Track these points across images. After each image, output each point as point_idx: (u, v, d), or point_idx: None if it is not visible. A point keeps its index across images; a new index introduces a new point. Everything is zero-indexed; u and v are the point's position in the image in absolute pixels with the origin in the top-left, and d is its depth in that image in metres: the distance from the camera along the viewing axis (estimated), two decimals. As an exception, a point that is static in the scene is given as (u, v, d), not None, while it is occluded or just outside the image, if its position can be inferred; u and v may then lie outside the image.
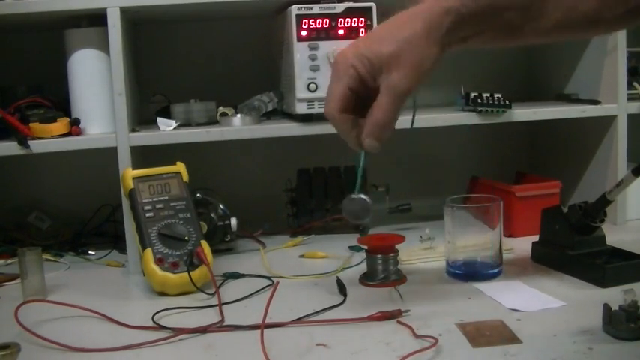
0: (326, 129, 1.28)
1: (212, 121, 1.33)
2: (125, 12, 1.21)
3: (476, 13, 0.77)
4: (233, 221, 1.29)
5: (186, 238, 1.11)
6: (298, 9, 1.21)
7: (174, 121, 1.29)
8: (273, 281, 1.09)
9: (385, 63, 0.77)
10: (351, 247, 1.27)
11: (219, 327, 0.92)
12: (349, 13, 1.22)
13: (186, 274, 1.06)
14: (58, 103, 1.32)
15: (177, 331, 0.90)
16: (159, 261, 1.07)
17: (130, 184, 1.15)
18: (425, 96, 1.63)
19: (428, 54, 0.77)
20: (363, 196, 0.82)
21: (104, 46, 1.21)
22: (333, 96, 0.80)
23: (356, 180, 0.85)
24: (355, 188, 0.85)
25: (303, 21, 1.21)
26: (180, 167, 1.19)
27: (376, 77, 0.78)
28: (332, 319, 0.92)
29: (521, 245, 1.21)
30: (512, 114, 1.34)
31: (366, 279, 1.09)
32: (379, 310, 0.92)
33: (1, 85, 1.37)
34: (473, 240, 1.09)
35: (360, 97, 0.81)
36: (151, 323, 0.94)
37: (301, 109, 1.23)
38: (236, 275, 1.15)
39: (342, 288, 1.04)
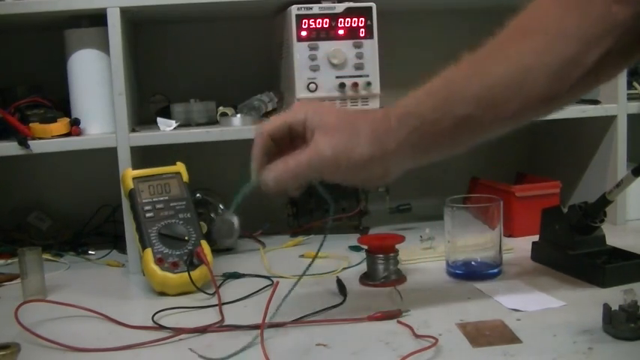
0: (326, 129, 1.28)
1: (212, 121, 1.33)
2: (125, 12, 1.21)
3: (431, 110, 0.79)
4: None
5: (186, 238, 1.11)
6: (298, 9, 1.21)
7: (174, 121, 1.29)
8: (273, 281, 1.09)
9: (323, 127, 0.79)
10: (351, 247, 1.27)
11: (219, 327, 0.92)
12: (349, 13, 1.22)
13: (186, 274, 1.06)
14: (58, 103, 1.32)
15: (177, 331, 0.90)
16: (159, 261, 1.07)
17: (130, 184, 1.15)
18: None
19: (361, 145, 0.78)
20: (232, 218, 0.81)
21: (104, 46, 1.21)
22: (272, 120, 0.84)
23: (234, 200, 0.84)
24: (230, 208, 0.85)
25: (303, 21, 1.21)
26: (180, 167, 1.19)
27: (312, 134, 0.80)
28: (332, 319, 0.92)
29: (521, 245, 1.21)
30: (512, 114, 1.33)
31: (366, 279, 1.09)
32: (379, 310, 0.92)
33: (1, 85, 1.37)
34: (473, 240, 1.09)
35: (289, 145, 0.83)
36: (151, 323, 0.94)
37: (301, 109, 1.23)
38: (236, 275, 1.15)
39: (342, 288, 1.04)
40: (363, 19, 1.22)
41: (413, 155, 0.81)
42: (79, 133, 1.24)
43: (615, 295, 0.84)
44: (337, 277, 1.09)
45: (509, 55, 0.77)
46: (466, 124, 0.79)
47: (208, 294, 1.06)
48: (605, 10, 0.72)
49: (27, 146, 1.19)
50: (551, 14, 0.76)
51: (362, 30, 1.22)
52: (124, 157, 1.20)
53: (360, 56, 1.23)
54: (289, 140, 0.83)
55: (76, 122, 1.24)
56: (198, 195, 1.29)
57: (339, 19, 1.22)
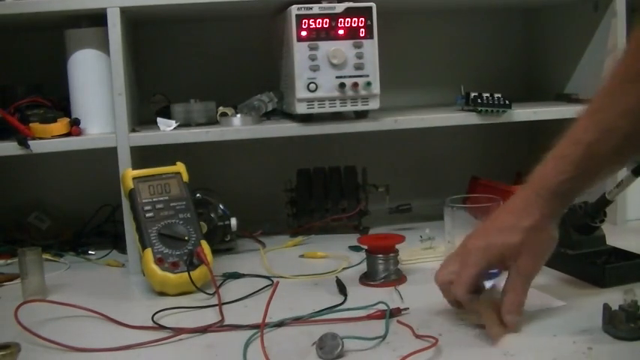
0: (326, 129, 1.29)
1: (212, 121, 1.33)
2: (125, 12, 1.21)
3: (580, 175, 0.83)
4: (233, 221, 1.29)
5: (186, 238, 1.11)
6: (298, 9, 1.21)
7: (174, 121, 1.29)
8: (273, 281, 1.09)
9: (514, 252, 0.85)
10: (351, 247, 1.27)
11: (219, 327, 0.92)
12: (349, 13, 1.22)
13: (186, 274, 1.06)
14: (58, 103, 1.32)
15: (177, 331, 0.90)
16: (159, 261, 1.07)
17: (130, 184, 1.15)
18: (425, 96, 1.64)
19: (550, 237, 0.87)
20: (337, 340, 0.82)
21: (104, 46, 1.21)
22: (463, 281, 0.87)
23: None
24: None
25: (303, 21, 1.21)
26: (180, 167, 1.19)
27: (505, 263, 0.87)
28: (332, 319, 0.92)
29: (521, 245, 1.21)
30: (512, 114, 1.34)
31: (366, 279, 1.09)
32: (379, 310, 0.92)
33: (1, 85, 1.37)
34: (473, 240, 1.09)
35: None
36: (150, 323, 0.94)
37: (301, 109, 1.23)
38: (236, 275, 1.15)
39: (342, 288, 1.04)
40: (363, 19, 1.22)
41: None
42: (79, 133, 1.24)
43: (615, 295, 0.84)
44: (337, 277, 1.09)
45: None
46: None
47: (208, 294, 1.06)
48: None
49: (27, 146, 1.19)
50: None
51: (362, 30, 1.22)
52: (124, 157, 1.20)
53: (360, 56, 1.23)
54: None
55: (76, 122, 1.24)
56: (198, 195, 1.29)
57: (339, 19, 1.22)
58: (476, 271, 0.86)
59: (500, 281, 0.90)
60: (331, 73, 1.22)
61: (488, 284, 0.91)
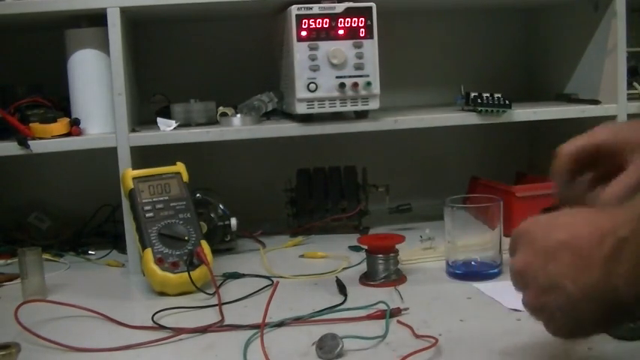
0: (326, 129, 1.29)
1: (212, 121, 1.33)
2: (125, 12, 1.21)
3: None
4: (233, 221, 1.29)
5: (186, 238, 1.11)
6: (298, 9, 1.21)
7: (174, 121, 1.29)
8: (273, 281, 1.09)
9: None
10: (351, 247, 1.27)
11: (219, 327, 0.92)
12: (349, 13, 1.22)
13: (186, 274, 1.06)
14: (58, 103, 1.32)
15: (177, 331, 0.90)
16: (159, 261, 1.07)
17: (130, 184, 1.15)
18: (425, 96, 1.64)
19: None
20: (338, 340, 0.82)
21: (104, 46, 1.21)
22: (572, 144, 0.74)
23: None
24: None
25: (303, 21, 1.21)
26: (180, 167, 1.19)
27: (627, 153, 0.70)
28: (332, 319, 0.92)
29: (521, 245, 1.21)
30: (512, 114, 1.34)
31: (366, 279, 1.09)
32: (379, 310, 0.92)
33: (1, 85, 1.37)
34: (473, 240, 1.09)
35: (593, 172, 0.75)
36: (150, 323, 0.94)
37: (301, 109, 1.23)
38: (236, 275, 1.15)
39: (342, 288, 1.04)
40: (363, 19, 1.22)
41: None
42: (79, 133, 1.24)
43: (615, 295, 0.84)
44: (337, 277, 1.09)
45: None
46: None
47: (208, 294, 1.06)
48: None
49: (27, 146, 1.19)
50: None
51: (362, 30, 1.22)
52: (124, 157, 1.20)
53: (360, 56, 1.23)
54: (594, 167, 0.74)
55: (76, 122, 1.24)
56: (198, 195, 1.29)
57: (339, 19, 1.22)
58: (593, 141, 0.72)
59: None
60: (331, 73, 1.22)
61: None
